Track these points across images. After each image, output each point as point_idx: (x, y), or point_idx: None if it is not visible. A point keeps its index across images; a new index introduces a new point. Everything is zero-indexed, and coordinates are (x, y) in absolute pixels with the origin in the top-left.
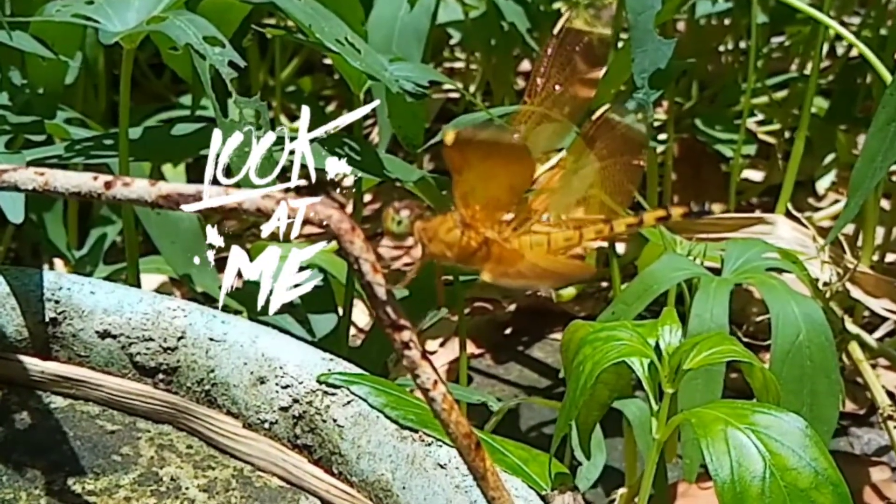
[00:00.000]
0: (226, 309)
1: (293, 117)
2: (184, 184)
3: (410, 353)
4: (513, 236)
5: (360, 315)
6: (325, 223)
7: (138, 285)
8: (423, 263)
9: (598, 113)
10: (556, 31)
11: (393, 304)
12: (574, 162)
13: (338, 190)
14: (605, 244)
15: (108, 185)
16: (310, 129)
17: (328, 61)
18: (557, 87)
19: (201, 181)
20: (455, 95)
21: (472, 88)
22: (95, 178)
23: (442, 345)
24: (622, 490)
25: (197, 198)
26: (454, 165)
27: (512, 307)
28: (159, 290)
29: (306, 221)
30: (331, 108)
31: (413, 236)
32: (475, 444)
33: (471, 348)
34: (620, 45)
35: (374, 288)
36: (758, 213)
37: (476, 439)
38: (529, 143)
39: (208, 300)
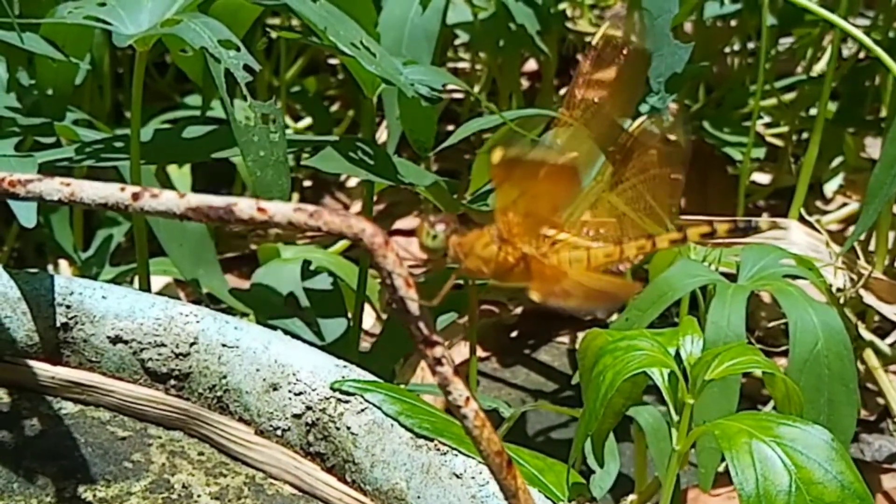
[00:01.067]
0: (232, 312)
1: (298, 118)
2: (213, 196)
3: (442, 369)
4: (551, 252)
5: (368, 318)
6: (358, 237)
7: (149, 288)
8: (455, 278)
9: (635, 124)
10: (594, 41)
11: (426, 319)
12: (612, 176)
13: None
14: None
15: (135, 196)
16: (316, 130)
17: (333, 61)
18: (596, 100)
19: (207, 181)
20: (459, 96)
21: (476, 88)
22: (123, 190)
23: (448, 348)
24: (632, 497)
25: (227, 210)
26: (498, 182)
27: (518, 310)
28: (164, 290)
29: (339, 235)
30: (335, 108)
31: (448, 251)
32: (507, 462)
33: (477, 351)
34: None
35: (406, 303)
36: (767, 217)
37: (507, 457)
38: (568, 156)
39: (214, 301)
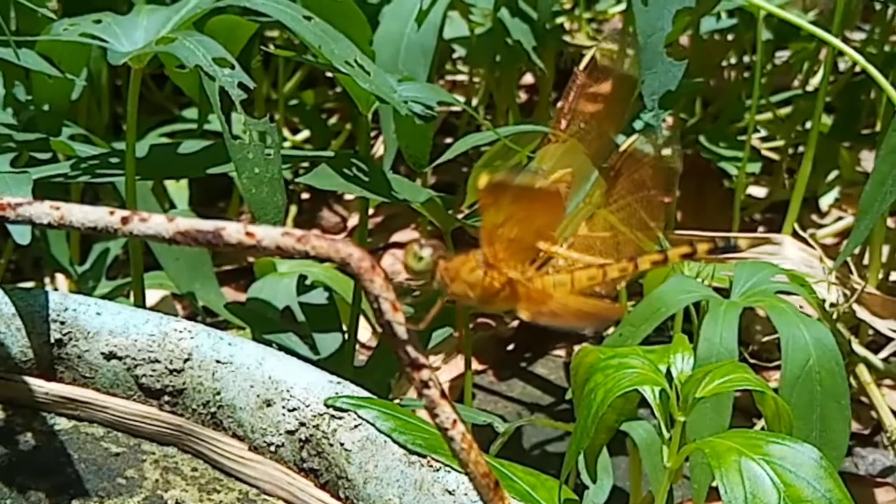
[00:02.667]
0: (228, 325)
1: (296, 130)
2: (201, 220)
3: (429, 392)
4: (536, 276)
5: (364, 331)
6: (345, 262)
7: (143, 303)
8: (443, 303)
9: (624, 144)
10: (581, 66)
11: (413, 342)
12: (599, 198)
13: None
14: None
15: (124, 220)
16: (314, 142)
17: (331, 74)
18: (583, 125)
19: (204, 194)
20: (457, 108)
21: (474, 101)
22: (112, 214)
23: (444, 361)
24: None
25: (215, 234)
26: (484, 206)
27: (514, 323)
28: (161, 304)
29: (326, 260)
30: (333, 120)
31: (434, 275)
32: (494, 484)
33: (473, 364)
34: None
35: (393, 327)
36: (762, 232)
37: (495, 478)
38: (555, 178)
39: (210, 314)
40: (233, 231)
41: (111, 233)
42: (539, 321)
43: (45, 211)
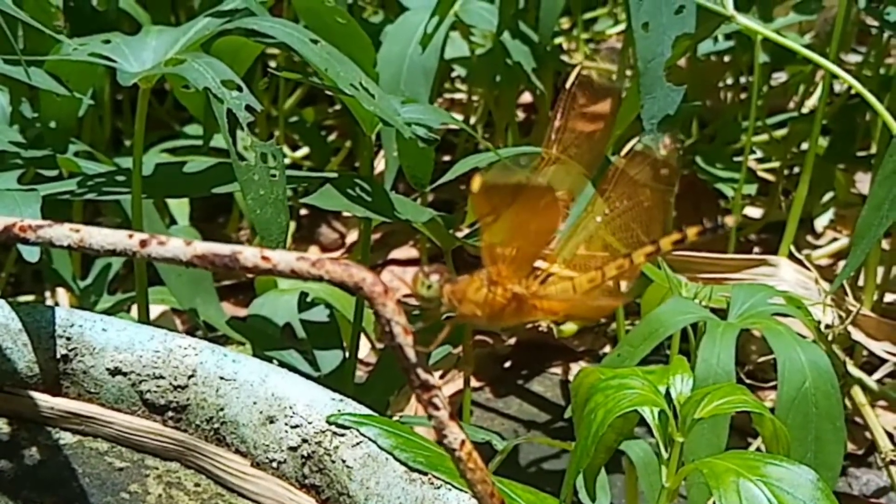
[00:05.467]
0: (228, 340)
1: (295, 147)
2: (218, 244)
3: (438, 413)
4: (539, 288)
5: (363, 348)
6: (358, 286)
7: (147, 319)
8: (453, 325)
9: (627, 147)
10: (568, 84)
11: (423, 365)
12: (598, 206)
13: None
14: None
15: (143, 243)
16: (313, 160)
17: (331, 92)
18: (574, 138)
19: (205, 208)
20: (456, 127)
21: (473, 119)
22: (131, 237)
23: (442, 377)
24: None
25: (232, 258)
26: (481, 213)
27: (512, 340)
28: (160, 319)
29: (340, 284)
30: (332, 137)
31: (443, 300)
32: None
33: (471, 381)
34: (627, 83)
35: (404, 350)
36: (758, 254)
37: (501, 499)
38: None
39: (210, 329)
40: (249, 255)
41: (129, 255)
42: (552, 322)
43: (64, 233)
